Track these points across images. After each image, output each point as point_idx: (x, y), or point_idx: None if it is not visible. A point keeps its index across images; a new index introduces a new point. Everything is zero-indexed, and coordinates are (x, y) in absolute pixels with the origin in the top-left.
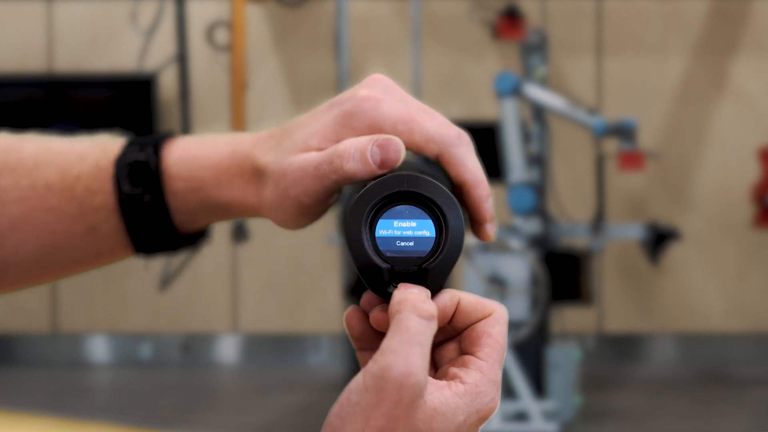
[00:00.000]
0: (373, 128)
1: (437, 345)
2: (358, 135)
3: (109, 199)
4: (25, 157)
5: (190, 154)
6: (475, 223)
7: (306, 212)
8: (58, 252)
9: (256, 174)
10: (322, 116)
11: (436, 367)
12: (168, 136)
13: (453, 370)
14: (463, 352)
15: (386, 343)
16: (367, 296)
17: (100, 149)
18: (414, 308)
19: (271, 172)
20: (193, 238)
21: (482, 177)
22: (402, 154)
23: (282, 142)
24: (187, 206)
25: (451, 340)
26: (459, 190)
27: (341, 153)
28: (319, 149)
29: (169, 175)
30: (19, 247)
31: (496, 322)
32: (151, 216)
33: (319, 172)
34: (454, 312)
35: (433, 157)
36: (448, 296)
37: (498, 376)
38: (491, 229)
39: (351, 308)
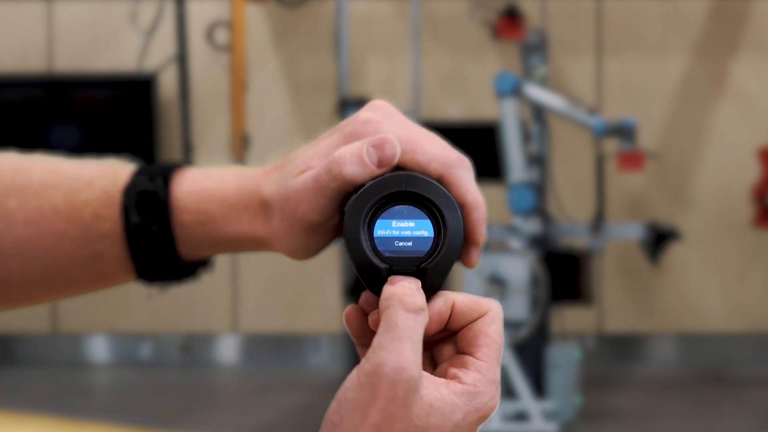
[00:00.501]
0: None
1: (435, 343)
2: None
3: (116, 226)
4: (33, 178)
5: (199, 187)
6: (467, 244)
7: (315, 232)
8: (61, 274)
9: (263, 207)
10: (324, 141)
11: (435, 365)
12: (176, 166)
13: (452, 370)
14: (461, 351)
15: (377, 340)
16: (366, 296)
17: (109, 175)
18: (401, 303)
19: (276, 201)
20: (195, 268)
21: (481, 200)
22: (398, 151)
23: (285, 169)
24: (194, 238)
25: (449, 338)
26: None
27: (338, 159)
28: None
29: (177, 206)
30: (23, 267)
31: (492, 320)
32: (157, 246)
33: (319, 184)
34: (450, 314)
35: (435, 178)
36: (442, 300)
37: (497, 375)
38: (477, 254)
39: (350, 307)
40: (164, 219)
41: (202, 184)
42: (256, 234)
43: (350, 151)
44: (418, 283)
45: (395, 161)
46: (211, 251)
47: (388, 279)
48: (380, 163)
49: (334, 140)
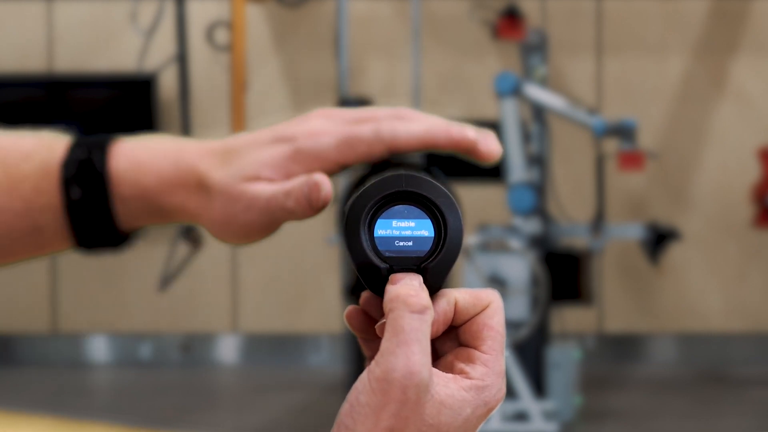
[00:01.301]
0: (320, 159)
1: (438, 336)
2: (308, 168)
3: (55, 200)
4: None
5: (135, 161)
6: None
7: (251, 235)
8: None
9: (202, 188)
10: (269, 148)
11: (437, 356)
12: (110, 138)
13: (459, 365)
14: (464, 344)
15: (384, 345)
16: (367, 296)
17: (46, 148)
18: (405, 305)
19: (220, 192)
20: (132, 236)
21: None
22: (328, 192)
23: (230, 162)
24: (131, 210)
25: (451, 330)
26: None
27: (288, 192)
28: (270, 180)
29: (115, 180)
30: None
31: (494, 312)
32: (96, 218)
33: (269, 207)
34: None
35: (386, 155)
36: (445, 301)
37: (502, 367)
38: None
39: (350, 308)
40: (103, 193)
41: (138, 157)
42: (189, 210)
43: (295, 188)
44: (420, 278)
45: (328, 202)
46: (148, 221)
47: (390, 277)
48: (312, 204)
49: (280, 153)
